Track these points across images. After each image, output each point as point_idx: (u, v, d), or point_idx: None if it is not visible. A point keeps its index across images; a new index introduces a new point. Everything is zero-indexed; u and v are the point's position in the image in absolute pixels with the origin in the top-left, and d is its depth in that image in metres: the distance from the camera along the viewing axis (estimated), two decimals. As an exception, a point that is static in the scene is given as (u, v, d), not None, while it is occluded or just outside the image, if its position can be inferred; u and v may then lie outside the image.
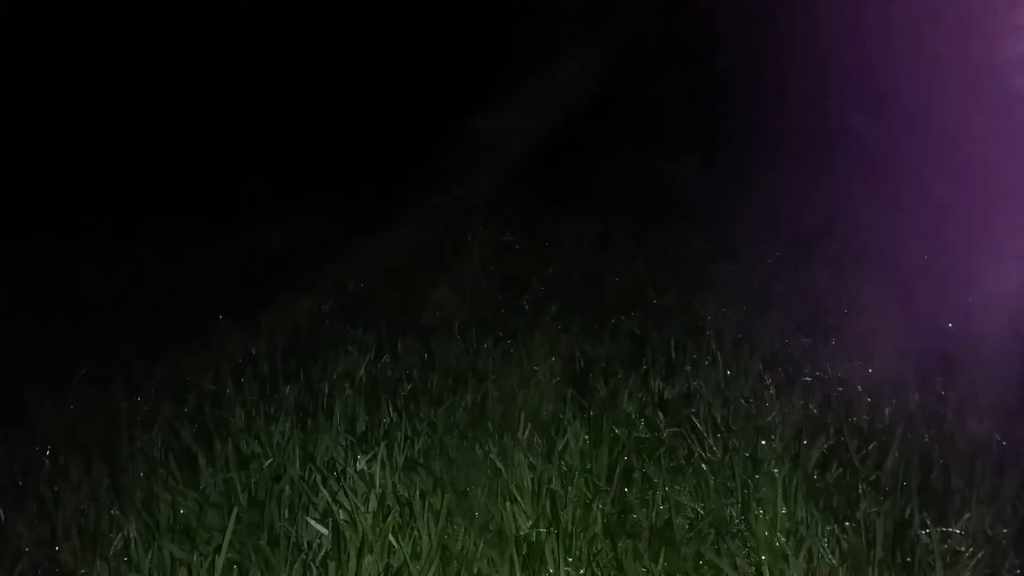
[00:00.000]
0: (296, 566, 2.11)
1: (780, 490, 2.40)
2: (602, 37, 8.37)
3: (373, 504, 2.27)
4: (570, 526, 2.31)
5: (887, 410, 3.00)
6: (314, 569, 2.10)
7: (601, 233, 5.48)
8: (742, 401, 3.08)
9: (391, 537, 2.16)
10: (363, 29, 9.05)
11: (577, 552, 2.21)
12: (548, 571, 2.15)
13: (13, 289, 4.61)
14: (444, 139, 7.59)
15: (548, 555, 2.17)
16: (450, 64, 8.59)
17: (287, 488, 2.34)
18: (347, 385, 3.22)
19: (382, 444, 2.60)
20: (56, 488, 2.42)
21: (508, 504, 2.40)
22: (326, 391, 3.21)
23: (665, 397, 3.16)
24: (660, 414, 2.98)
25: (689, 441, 2.77)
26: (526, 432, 2.78)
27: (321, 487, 2.34)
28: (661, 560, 2.18)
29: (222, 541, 2.08)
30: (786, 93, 6.82)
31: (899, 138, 6.43)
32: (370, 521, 2.22)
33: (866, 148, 6.29)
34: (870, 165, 6.24)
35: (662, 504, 2.43)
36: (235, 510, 2.13)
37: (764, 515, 2.35)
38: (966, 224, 4.99)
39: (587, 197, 6.25)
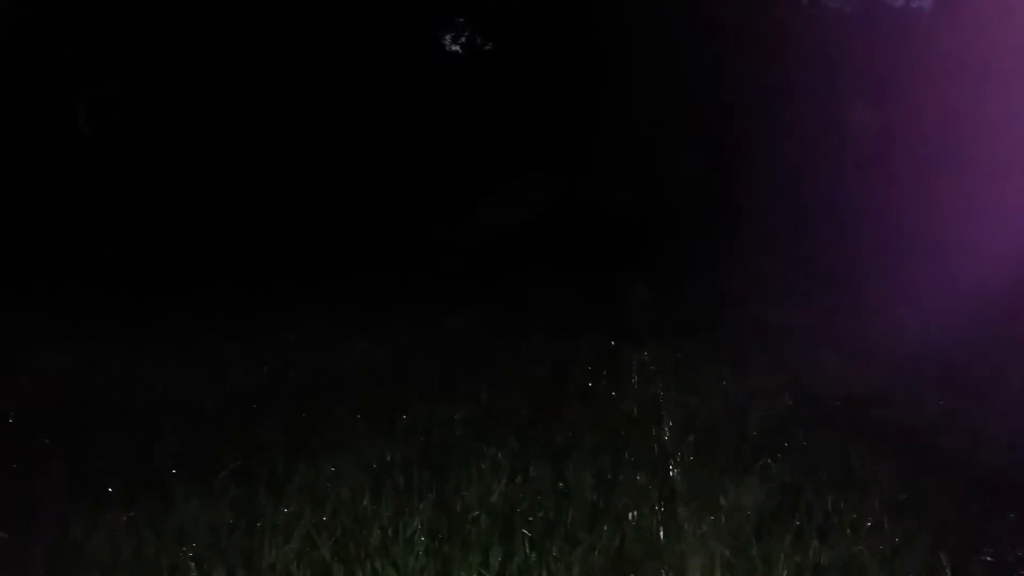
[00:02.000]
0: None
1: None
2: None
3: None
4: None
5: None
6: None
7: (741, 358, 5.25)
8: (907, 577, 2.77)
9: None
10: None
11: None
12: None
13: (164, 373, 4.87)
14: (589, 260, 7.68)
15: None
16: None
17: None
18: (481, 510, 3.14)
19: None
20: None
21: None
22: (458, 510, 3.15)
23: (822, 562, 2.89)
24: (818, 583, 2.71)
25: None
26: (671, 590, 2.59)
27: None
28: None
29: None
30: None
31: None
32: None
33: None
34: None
35: None
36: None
37: None
38: None
39: (722, 316, 6.07)
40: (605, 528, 3.05)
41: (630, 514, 3.19)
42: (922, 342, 5.20)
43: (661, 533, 3.04)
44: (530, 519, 3.15)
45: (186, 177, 8.38)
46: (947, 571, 2.79)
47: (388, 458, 3.74)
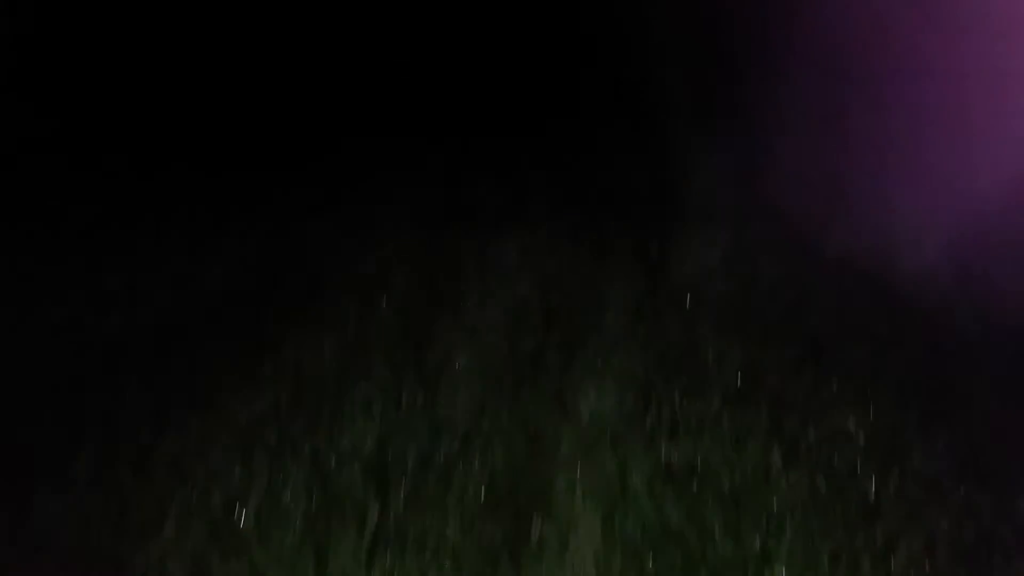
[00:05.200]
0: None
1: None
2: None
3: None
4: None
5: (892, 481, 3.01)
6: None
7: (598, 238, 5.36)
8: (749, 470, 3.10)
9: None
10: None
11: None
12: None
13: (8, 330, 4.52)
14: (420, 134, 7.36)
15: None
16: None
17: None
18: (355, 460, 3.22)
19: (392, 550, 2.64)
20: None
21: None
22: (333, 465, 3.23)
23: (672, 461, 3.18)
24: (669, 490, 2.99)
25: (699, 527, 2.80)
26: (538, 525, 2.80)
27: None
28: None
29: None
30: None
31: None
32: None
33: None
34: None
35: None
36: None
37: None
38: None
39: (582, 192, 6.12)
40: (476, 460, 3.22)
41: (498, 439, 3.37)
42: (763, 213, 5.43)
43: (527, 457, 3.23)
44: (404, 455, 3.28)
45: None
46: (779, 460, 3.14)
47: (257, 409, 3.72)
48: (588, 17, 8.66)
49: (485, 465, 3.19)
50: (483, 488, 3.04)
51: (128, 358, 4.20)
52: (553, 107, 8.26)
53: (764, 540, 2.70)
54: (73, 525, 2.91)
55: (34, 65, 7.56)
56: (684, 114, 7.18)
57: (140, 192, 6.71)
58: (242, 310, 4.74)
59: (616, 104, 7.90)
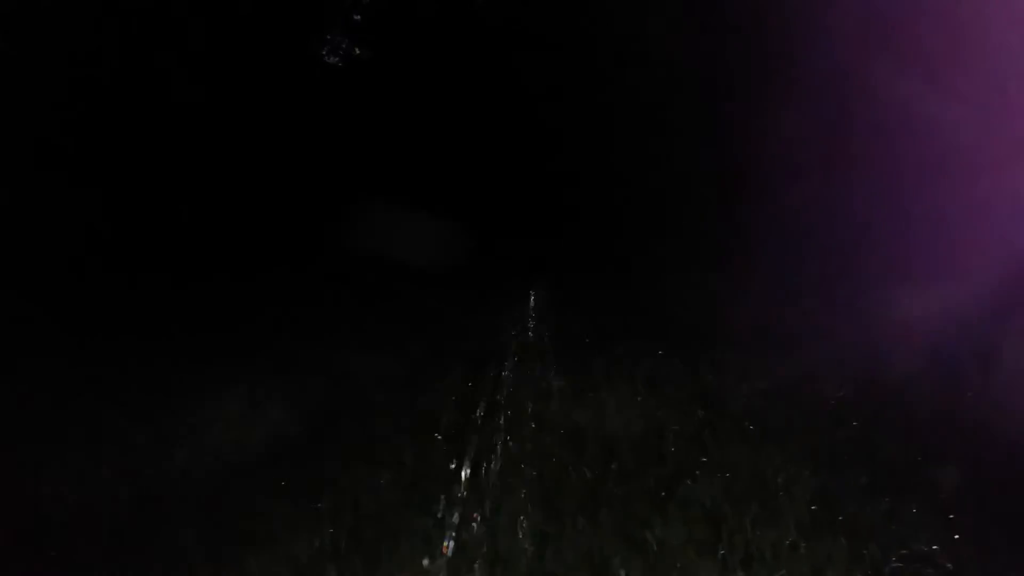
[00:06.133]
0: None
1: None
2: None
3: None
4: None
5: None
6: None
7: (652, 369, 5.36)
8: (832, 600, 2.93)
9: None
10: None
11: None
12: None
13: (69, 473, 4.60)
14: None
15: None
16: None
17: None
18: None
19: None
20: None
21: None
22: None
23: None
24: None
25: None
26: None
27: None
28: None
29: None
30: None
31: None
32: None
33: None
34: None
35: None
36: None
37: None
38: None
39: (634, 324, 6.18)
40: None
41: (563, 574, 3.25)
42: (825, 337, 5.42)
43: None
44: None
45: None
46: (861, 588, 2.96)
47: (316, 545, 3.67)
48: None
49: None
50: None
51: (187, 497, 4.22)
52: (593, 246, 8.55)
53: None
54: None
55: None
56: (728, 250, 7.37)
57: (199, 334, 6.99)
58: (298, 448, 4.78)
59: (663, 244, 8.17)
